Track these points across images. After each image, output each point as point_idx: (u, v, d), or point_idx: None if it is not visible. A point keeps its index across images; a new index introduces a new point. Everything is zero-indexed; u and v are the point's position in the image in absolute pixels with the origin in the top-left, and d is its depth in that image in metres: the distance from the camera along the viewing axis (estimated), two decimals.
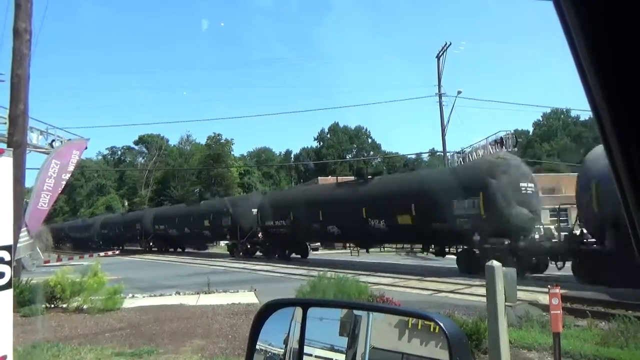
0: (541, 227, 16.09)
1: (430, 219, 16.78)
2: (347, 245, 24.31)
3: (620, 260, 10.56)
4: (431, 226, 16.78)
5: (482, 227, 15.14)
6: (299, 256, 25.64)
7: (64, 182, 14.10)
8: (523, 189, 15.29)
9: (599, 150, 12.13)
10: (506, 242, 14.65)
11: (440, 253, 18.37)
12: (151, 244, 38.70)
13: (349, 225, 20.69)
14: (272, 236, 25.84)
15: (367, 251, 23.19)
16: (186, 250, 37.72)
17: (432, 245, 18.75)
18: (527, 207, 15.02)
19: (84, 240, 47.39)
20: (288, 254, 25.57)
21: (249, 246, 28.27)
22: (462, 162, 28.56)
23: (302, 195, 25.67)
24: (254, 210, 27.20)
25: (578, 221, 13.36)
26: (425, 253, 19.87)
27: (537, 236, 15.38)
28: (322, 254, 29.36)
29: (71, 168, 14.40)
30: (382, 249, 24.35)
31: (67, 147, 15.13)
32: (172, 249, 37.90)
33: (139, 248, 39.79)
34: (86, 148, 16.84)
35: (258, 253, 27.93)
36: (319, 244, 30.00)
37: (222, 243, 36.10)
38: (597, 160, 11.60)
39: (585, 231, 13.14)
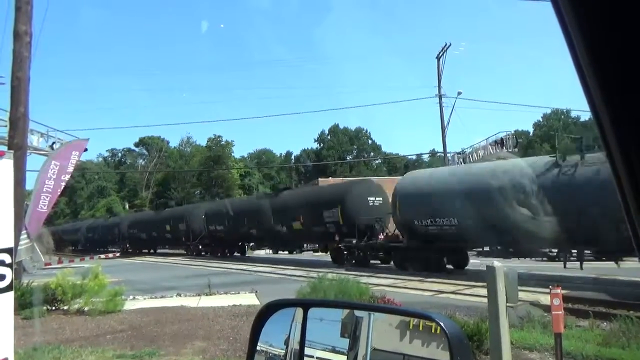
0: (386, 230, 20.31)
1: (312, 225, 22.28)
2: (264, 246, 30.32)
3: (414, 252, 17.14)
4: (313, 230, 22.41)
5: (341, 230, 20.95)
6: (239, 254, 30.47)
7: (63, 184, 14.10)
8: (370, 202, 20.86)
9: (406, 176, 19.48)
10: (354, 241, 20.22)
11: (324, 250, 23.67)
12: (127, 246, 40.67)
13: (264, 229, 25.31)
14: (215, 238, 30.33)
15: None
16: (157, 251, 40.10)
17: (317, 244, 24.86)
18: (374, 214, 20.23)
19: (74, 242, 50.29)
20: (228, 253, 30.00)
21: (200, 247, 32.05)
22: (463, 163, 28.57)
23: (234, 205, 29.97)
24: (202, 217, 31.41)
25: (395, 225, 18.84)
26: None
27: (381, 236, 19.81)
28: (263, 253, 32.47)
29: (70, 169, 14.40)
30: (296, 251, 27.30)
31: (66, 148, 15.13)
32: (145, 251, 40.28)
33: (117, 250, 41.06)
34: (86, 149, 16.86)
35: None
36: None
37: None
38: (400, 185, 18.14)
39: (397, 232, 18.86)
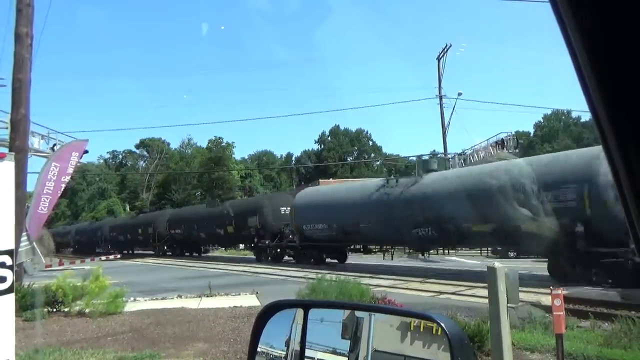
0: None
1: (241, 229, 28.32)
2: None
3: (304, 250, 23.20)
4: (241, 233, 28.87)
5: (261, 233, 26.61)
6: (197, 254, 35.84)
7: (63, 185, 14.11)
8: (282, 210, 26.01)
9: (301, 192, 25.98)
10: (267, 242, 26.04)
11: (250, 249, 30.25)
12: (109, 247, 40.50)
13: (209, 233, 31.98)
14: (176, 240, 35.89)
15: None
16: (134, 252, 41.37)
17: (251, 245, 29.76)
18: (284, 221, 25.44)
19: (65, 245, 49.50)
20: (187, 252, 35.54)
21: (165, 247, 36.85)
22: (464, 164, 28.54)
23: (189, 212, 36.43)
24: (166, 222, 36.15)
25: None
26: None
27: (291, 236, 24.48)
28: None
29: (70, 170, 14.40)
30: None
31: (66, 149, 15.11)
32: (125, 252, 40.33)
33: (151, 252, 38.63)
34: (86, 151, 16.87)
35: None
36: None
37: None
38: (299, 197, 24.50)
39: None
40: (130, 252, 41.26)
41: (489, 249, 26.23)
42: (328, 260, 22.98)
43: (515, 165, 15.29)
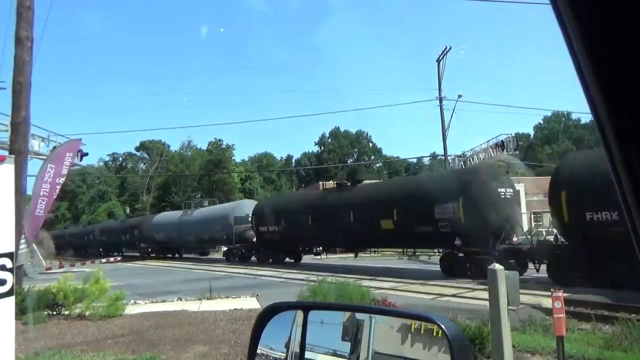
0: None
1: (213, 234, 31.75)
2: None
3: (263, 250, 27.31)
4: (213, 237, 32.59)
5: (229, 237, 29.59)
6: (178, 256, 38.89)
7: (58, 187, 14.07)
8: (248, 217, 28.52)
9: (261, 200, 32.64)
10: (237, 245, 29.73)
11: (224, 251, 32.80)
12: (100, 249, 42.30)
13: (183, 239, 35.95)
14: (158, 243, 38.93)
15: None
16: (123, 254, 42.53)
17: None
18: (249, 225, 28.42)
19: (60, 247, 50.03)
20: (170, 255, 38.69)
21: (149, 249, 39.74)
22: (464, 166, 28.55)
23: (168, 217, 39.22)
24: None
25: None
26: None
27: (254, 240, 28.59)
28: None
29: (65, 171, 14.35)
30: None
31: (60, 150, 15.06)
32: (115, 253, 41.34)
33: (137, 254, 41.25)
34: (86, 154, 16.84)
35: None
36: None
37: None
38: (258, 205, 29.16)
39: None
40: (120, 253, 42.37)
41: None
42: (286, 260, 26.49)
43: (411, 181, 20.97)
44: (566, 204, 12.89)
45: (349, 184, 23.50)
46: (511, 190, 16.87)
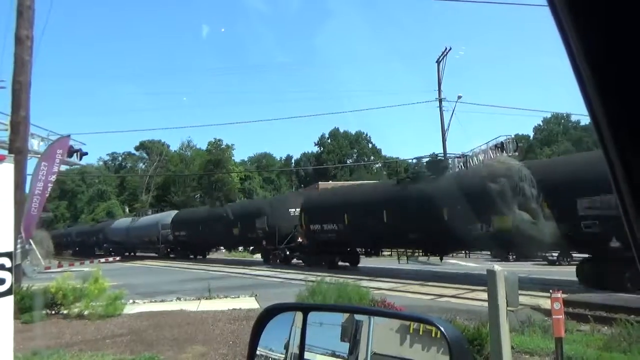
0: None
1: (247, 232, 27.90)
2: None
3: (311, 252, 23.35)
4: (248, 236, 28.28)
5: (269, 236, 26.22)
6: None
7: (50, 185, 14.07)
8: (291, 212, 25.91)
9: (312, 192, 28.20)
10: (276, 245, 25.72)
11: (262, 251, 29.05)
12: (77, 249, 42.32)
13: (216, 235, 32.50)
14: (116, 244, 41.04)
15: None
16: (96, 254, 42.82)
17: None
18: (294, 223, 25.09)
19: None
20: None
21: (110, 249, 41.17)
22: (464, 167, 28.53)
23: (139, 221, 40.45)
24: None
25: None
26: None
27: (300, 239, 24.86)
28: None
29: (56, 169, 14.35)
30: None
31: (51, 147, 15.06)
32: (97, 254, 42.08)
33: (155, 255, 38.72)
34: (85, 154, 16.82)
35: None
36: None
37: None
38: (308, 198, 25.57)
39: None
40: (132, 254, 41.97)
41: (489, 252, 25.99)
42: (340, 263, 22.29)
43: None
44: None
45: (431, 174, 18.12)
46: None
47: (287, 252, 25.34)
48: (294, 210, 25.39)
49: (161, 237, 36.21)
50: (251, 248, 33.21)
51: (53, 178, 14.18)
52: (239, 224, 28.57)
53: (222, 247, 38.38)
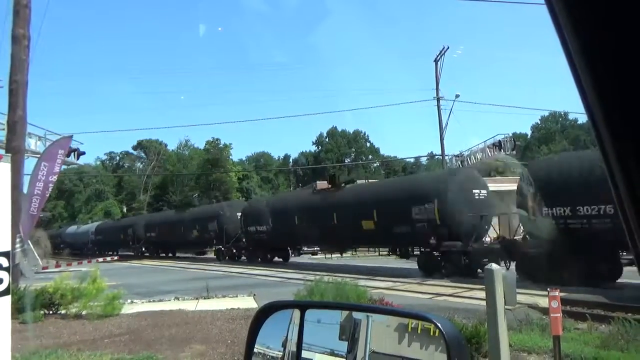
0: None
1: (203, 233, 32.62)
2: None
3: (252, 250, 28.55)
4: (204, 236, 32.81)
5: (219, 237, 30.44)
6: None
7: (51, 185, 14.04)
8: (238, 216, 29.74)
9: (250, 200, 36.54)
10: (225, 244, 30.34)
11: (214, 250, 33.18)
12: (143, 249, 41.85)
13: (180, 236, 35.86)
14: (151, 242, 40.78)
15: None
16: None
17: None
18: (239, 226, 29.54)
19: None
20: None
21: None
22: (461, 165, 28.60)
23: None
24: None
25: None
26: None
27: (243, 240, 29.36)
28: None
29: (57, 169, 14.32)
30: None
31: (52, 147, 15.02)
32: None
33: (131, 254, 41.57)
34: (83, 153, 16.78)
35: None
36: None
37: None
38: (247, 205, 31.19)
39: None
40: (115, 252, 43.33)
41: None
42: (275, 259, 27.15)
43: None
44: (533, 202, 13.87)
45: (343, 184, 24.31)
46: (485, 192, 17.52)
47: (234, 250, 30.07)
48: (240, 214, 29.60)
49: (89, 241, 47.81)
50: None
51: (54, 178, 14.16)
52: (197, 226, 33.31)
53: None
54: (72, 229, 55.41)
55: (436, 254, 17.29)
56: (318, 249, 28.57)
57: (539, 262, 12.62)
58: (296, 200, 26.54)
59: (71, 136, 16.29)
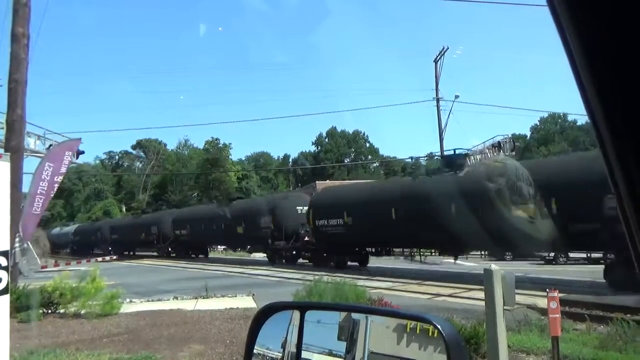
0: None
1: (252, 230, 26.70)
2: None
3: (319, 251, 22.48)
4: (253, 234, 27.05)
5: (275, 234, 25.50)
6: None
7: (56, 185, 14.04)
8: (299, 210, 25.31)
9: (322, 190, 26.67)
10: (282, 243, 25.12)
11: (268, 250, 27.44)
12: (169, 249, 37.20)
13: (218, 233, 31.06)
14: (180, 241, 35.98)
15: None
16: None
17: None
18: (301, 221, 24.72)
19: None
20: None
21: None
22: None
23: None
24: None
25: None
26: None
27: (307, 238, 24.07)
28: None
29: (63, 170, 14.33)
30: None
31: (59, 148, 15.01)
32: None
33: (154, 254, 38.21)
34: (83, 152, 16.76)
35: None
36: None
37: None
38: (317, 195, 24.98)
39: None
40: (132, 253, 41.71)
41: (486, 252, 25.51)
42: (349, 263, 21.37)
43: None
44: None
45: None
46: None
47: (294, 252, 24.47)
48: (301, 208, 24.62)
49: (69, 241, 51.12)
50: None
51: (59, 179, 14.18)
52: (242, 222, 27.84)
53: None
54: (56, 230, 57.44)
55: None
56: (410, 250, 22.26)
57: None
58: (392, 187, 20.53)
59: (79, 139, 16.27)
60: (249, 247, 33.39)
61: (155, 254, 37.73)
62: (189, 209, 40.59)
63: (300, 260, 24.05)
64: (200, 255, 35.40)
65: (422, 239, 18.02)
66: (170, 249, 36.43)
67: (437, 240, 17.53)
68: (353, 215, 19.89)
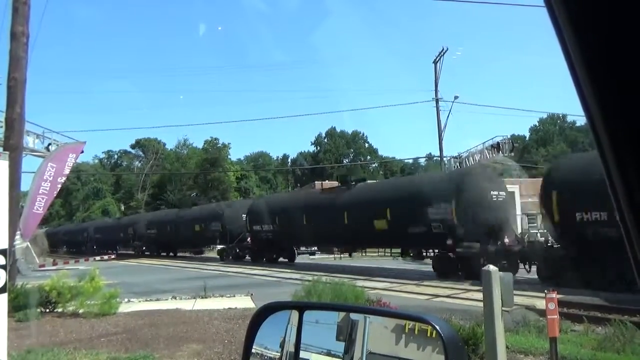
0: None
1: (205, 232, 32.50)
2: None
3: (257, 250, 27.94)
4: (206, 235, 32.82)
5: (223, 236, 30.42)
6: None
7: (59, 186, 14.08)
8: (243, 217, 29.09)
9: (256, 200, 31.53)
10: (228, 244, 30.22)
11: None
12: (144, 248, 41.58)
13: (181, 234, 35.59)
14: (151, 240, 40.34)
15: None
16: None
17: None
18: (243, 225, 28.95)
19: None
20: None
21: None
22: (459, 167, 28.61)
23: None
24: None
25: None
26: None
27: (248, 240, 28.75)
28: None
29: (67, 171, 14.37)
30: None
31: (63, 150, 15.07)
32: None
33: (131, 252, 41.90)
34: (82, 152, 16.80)
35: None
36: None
37: None
38: (253, 205, 29.41)
39: None
40: (114, 251, 44.28)
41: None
42: (280, 259, 26.44)
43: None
44: (557, 204, 13.10)
45: (354, 183, 23.08)
46: (503, 193, 17.13)
47: (238, 250, 29.77)
48: (244, 215, 29.19)
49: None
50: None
51: (62, 180, 14.23)
52: (199, 225, 33.27)
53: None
54: (50, 230, 59.45)
55: (452, 255, 16.44)
56: (316, 249, 28.45)
57: (563, 265, 12.28)
58: (304, 199, 25.78)
59: (84, 142, 16.31)
60: (204, 247, 38.46)
61: (132, 252, 41.51)
62: (160, 212, 46.50)
63: (247, 258, 28.91)
64: (170, 254, 40.00)
65: (331, 238, 23.21)
66: (144, 248, 40.98)
67: (338, 240, 23.19)
68: (280, 220, 24.78)
